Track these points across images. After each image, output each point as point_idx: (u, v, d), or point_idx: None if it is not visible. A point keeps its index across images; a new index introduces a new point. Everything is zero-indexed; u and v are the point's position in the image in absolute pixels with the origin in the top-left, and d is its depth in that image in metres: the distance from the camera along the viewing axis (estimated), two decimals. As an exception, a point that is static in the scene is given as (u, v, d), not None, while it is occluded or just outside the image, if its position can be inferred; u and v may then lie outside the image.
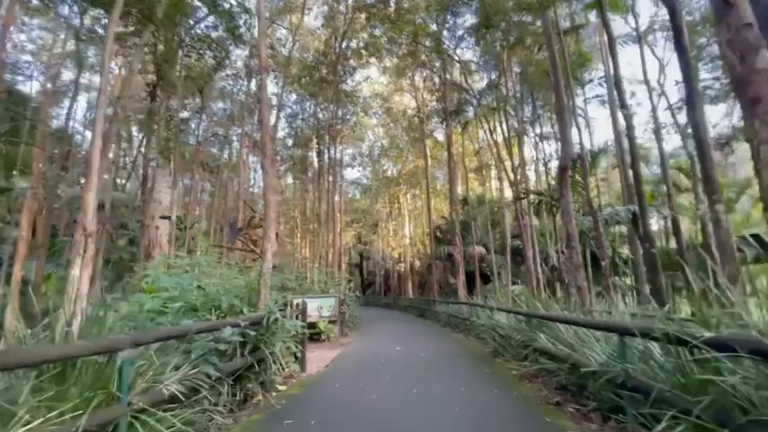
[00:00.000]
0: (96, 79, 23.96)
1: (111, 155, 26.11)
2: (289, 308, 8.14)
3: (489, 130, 17.73)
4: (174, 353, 3.93)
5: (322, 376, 7.16)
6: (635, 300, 12.07)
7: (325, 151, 23.61)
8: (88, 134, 26.86)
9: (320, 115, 22.88)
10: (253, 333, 5.37)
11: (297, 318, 7.59)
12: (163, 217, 12.76)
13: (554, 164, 17.27)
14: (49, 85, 20.40)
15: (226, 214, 19.08)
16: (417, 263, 34.68)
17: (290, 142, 28.86)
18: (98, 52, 21.48)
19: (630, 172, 14.13)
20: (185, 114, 15.21)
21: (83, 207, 6.15)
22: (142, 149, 16.13)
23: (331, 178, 23.76)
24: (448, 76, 19.79)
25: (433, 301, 20.64)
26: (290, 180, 37.10)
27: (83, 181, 22.53)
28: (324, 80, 18.44)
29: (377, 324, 18.23)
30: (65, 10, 16.88)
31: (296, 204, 29.65)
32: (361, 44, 20.01)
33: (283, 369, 6.46)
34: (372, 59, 23.38)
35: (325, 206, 20.96)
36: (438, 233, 23.59)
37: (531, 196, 13.84)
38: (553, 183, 16.16)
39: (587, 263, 12.41)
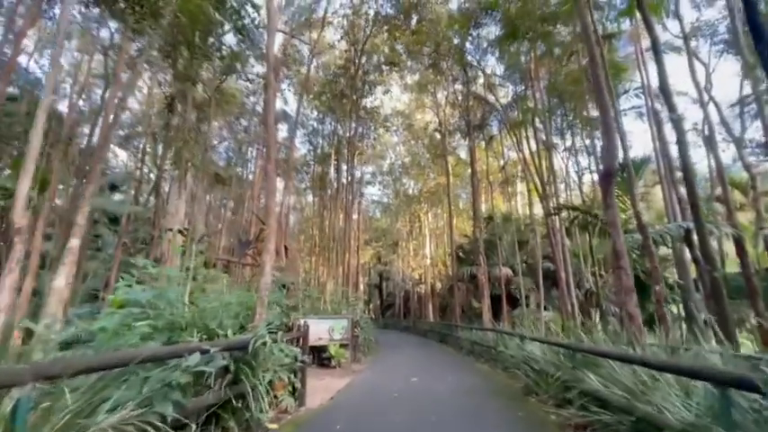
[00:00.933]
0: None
1: (135, 169, 26.74)
2: (283, 331, 7.29)
3: (517, 142, 16.71)
4: (118, 387, 3.08)
5: (322, 413, 6.13)
6: (685, 332, 10.44)
7: (344, 167, 23.17)
8: (118, 151, 27.67)
9: (340, 131, 22.55)
10: (233, 361, 4.51)
11: (296, 342, 6.68)
12: (174, 229, 12.32)
13: (588, 178, 15.99)
14: (80, 103, 20.97)
15: (245, 229, 18.71)
16: (438, 284, 33.19)
17: (309, 158, 28.75)
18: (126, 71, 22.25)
19: (675, 187, 12.75)
20: (203, 128, 15.04)
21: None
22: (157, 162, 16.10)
23: (350, 196, 23.20)
24: (472, 89, 19.06)
25: (455, 326, 19.23)
26: (309, 198, 36.98)
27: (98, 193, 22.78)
28: (343, 95, 18.10)
29: (394, 349, 16.99)
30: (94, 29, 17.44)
31: (314, 222, 29.18)
32: (382, 59, 19.70)
33: (277, 404, 5.52)
34: (393, 76, 23.11)
35: (341, 223, 20.28)
36: (460, 253, 22.35)
37: (564, 212, 12.60)
38: (587, 198, 14.88)
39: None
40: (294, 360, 5.97)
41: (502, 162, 21.56)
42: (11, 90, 20.84)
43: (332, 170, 22.19)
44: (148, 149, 20.08)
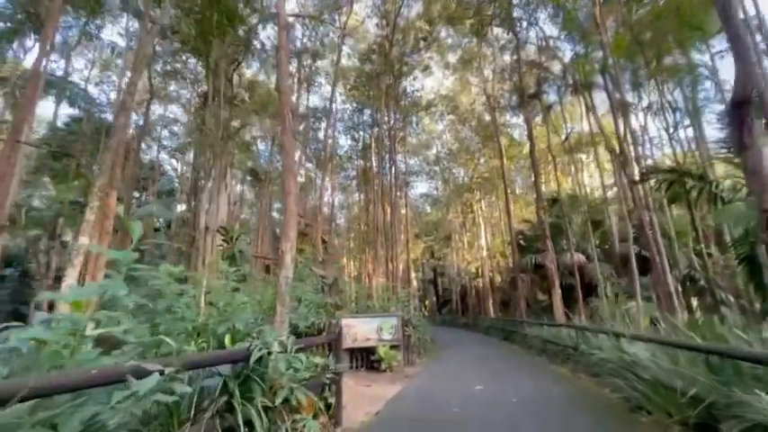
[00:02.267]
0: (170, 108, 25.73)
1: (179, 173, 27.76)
2: (315, 333, 6.14)
3: (586, 106, 14.29)
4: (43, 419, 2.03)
5: (363, 436, 4.89)
6: None
7: (387, 157, 21.97)
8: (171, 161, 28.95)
9: (379, 118, 21.36)
10: (233, 378, 3.40)
11: (327, 347, 5.51)
12: (210, 229, 11.90)
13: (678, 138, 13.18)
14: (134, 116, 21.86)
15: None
16: (498, 277, 30.80)
17: (351, 153, 27.97)
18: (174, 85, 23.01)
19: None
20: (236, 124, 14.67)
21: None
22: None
23: (396, 189, 21.94)
24: (523, 56, 16.85)
25: (521, 321, 17.15)
26: (356, 196, 36.34)
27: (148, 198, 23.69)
28: (379, 76, 16.85)
29: (452, 349, 15.41)
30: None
31: (361, 218, 28.36)
32: (420, 35, 18.15)
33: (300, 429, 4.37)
34: (433, 55, 21.44)
35: (387, 217, 19.06)
36: (521, 241, 20.09)
37: (652, 180, 10.19)
38: (679, 162, 12.24)
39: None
40: (323, 370, 4.80)
41: (564, 134, 18.95)
42: (73, 111, 22.45)
43: (373, 162, 21.06)
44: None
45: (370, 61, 17.45)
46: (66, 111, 24.71)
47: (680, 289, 13.20)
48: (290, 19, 16.39)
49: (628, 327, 7.68)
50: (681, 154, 12.69)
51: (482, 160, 30.73)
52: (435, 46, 19.62)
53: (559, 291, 14.17)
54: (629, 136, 12.09)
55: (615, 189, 19.64)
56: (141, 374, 2.40)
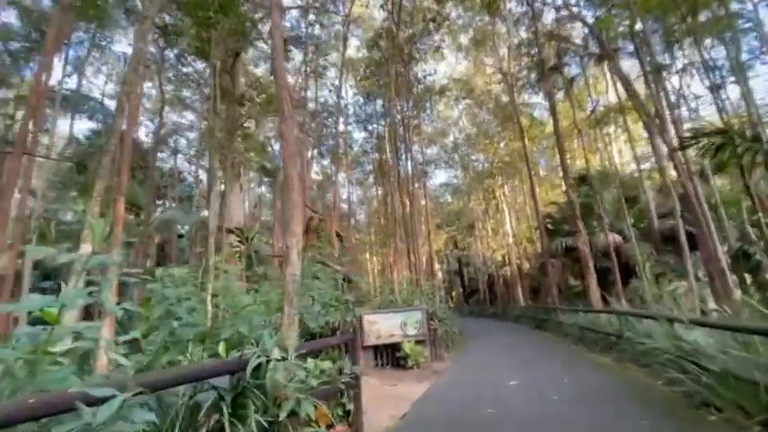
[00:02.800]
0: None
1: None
2: (328, 333, 5.69)
3: (612, 73, 13.17)
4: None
5: (386, 445, 4.41)
6: None
7: (402, 148, 21.34)
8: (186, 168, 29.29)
9: (391, 107, 20.73)
10: (232, 390, 2.97)
11: (345, 348, 5.04)
12: (229, 230, 11.70)
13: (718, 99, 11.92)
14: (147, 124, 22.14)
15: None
16: (526, 264, 29.71)
17: (366, 147, 27.49)
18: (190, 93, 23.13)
19: None
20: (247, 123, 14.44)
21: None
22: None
23: (413, 179, 21.29)
24: (540, 27, 15.77)
25: (553, 309, 16.28)
26: (376, 191, 35.87)
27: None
28: (387, 61, 16.18)
29: (482, 340, 14.75)
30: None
31: (380, 211, 27.90)
32: (428, 15, 17.33)
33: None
34: (444, 38, 20.55)
35: (407, 209, 18.47)
36: (549, 224, 19.06)
37: (694, 145, 9.11)
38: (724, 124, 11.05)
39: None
40: (339, 374, 4.34)
41: (590, 107, 17.70)
42: (93, 125, 22.95)
43: (387, 153, 20.47)
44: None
45: (377, 47, 16.81)
46: (88, 125, 25.40)
47: (730, 265, 12.07)
48: (294, 11, 15.99)
49: (677, 310, 6.84)
50: (726, 117, 11.42)
51: (502, 144, 29.58)
52: (446, 27, 18.72)
53: (594, 274, 13.23)
54: (663, 100, 10.99)
55: (650, 161, 18.30)
56: (99, 399, 1.97)
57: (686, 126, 10.87)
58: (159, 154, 25.80)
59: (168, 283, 4.98)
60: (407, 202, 19.94)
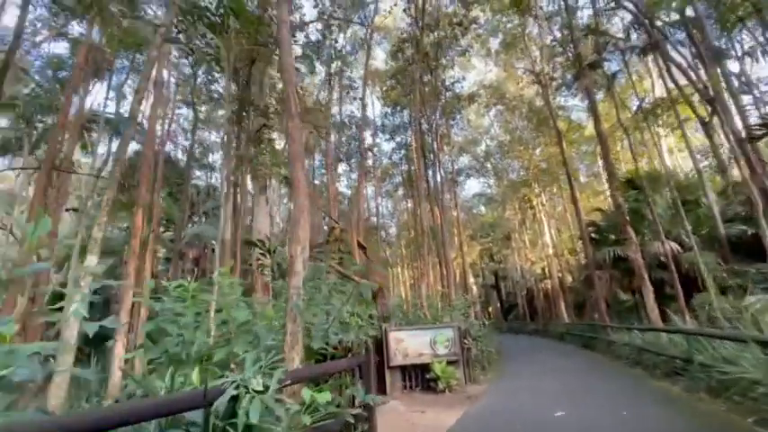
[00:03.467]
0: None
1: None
2: (341, 354, 5.03)
3: (659, 70, 11.93)
4: None
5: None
6: None
7: (431, 156, 20.72)
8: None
9: (419, 116, 20.23)
10: None
11: (357, 373, 4.36)
12: (249, 242, 11.49)
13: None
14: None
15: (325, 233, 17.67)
16: (568, 277, 27.71)
17: (395, 158, 27.10)
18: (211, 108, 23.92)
19: None
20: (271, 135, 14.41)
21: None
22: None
23: (442, 189, 20.52)
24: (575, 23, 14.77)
25: (603, 326, 14.71)
26: (406, 203, 35.29)
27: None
28: (411, 65, 15.72)
29: (522, 361, 13.49)
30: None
31: (409, 224, 27.20)
32: (454, 20, 16.81)
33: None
34: (470, 42, 19.93)
35: (437, 220, 17.67)
36: (593, 233, 17.52)
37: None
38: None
39: None
40: (350, 404, 3.68)
41: (634, 104, 16.23)
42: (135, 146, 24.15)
43: (415, 163, 19.87)
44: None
45: (401, 53, 16.43)
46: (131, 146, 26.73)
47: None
48: (318, 24, 16.01)
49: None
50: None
51: (537, 151, 28.16)
52: (473, 32, 18.09)
53: (651, 287, 11.73)
54: (725, 89, 9.66)
55: (708, 160, 16.49)
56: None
57: (753, 115, 9.46)
58: (197, 172, 26.78)
59: (166, 298, 4.57)
60: (437, 213, 19.15)
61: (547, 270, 28.47)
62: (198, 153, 25.84)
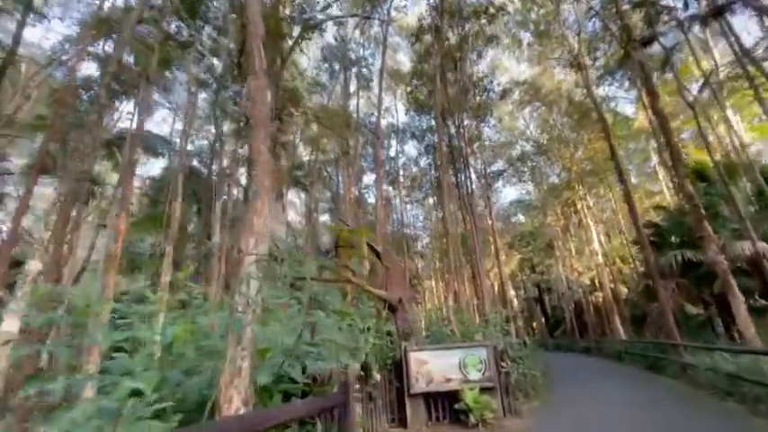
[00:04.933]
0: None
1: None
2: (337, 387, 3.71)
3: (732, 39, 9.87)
4: None
5: None
6: None
7: (460, 160, 19.24)
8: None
9: (446, 117, 18.88)
10: None
11: (330, 417, 3.02)
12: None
13: None
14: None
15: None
16: (623, 289, 24.71)
17: (423, 163, 25.83)
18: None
19: None
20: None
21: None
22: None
23: (472, 198, 18.86)
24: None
25: (673, 345, 12.30)
26: (436, 213, 33.68)
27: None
28: (433, 57, 14.49)
29: (575, 387, 11.39)
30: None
31: (439, 232, 25.59)
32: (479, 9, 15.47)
33: None
34: (501, 36, 18.48)
35: (455, 221, 16.04)
36: (653, 236, 15.09)
37: None
38: None
39: None
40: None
41: (695, 87, 13.91)
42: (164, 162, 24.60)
43: (444, 167, 18.49)
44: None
45: (420, 41, 15.23)
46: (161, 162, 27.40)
47: None
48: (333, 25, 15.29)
49: None
50: None
51: (580, 150, 25.75)
52: (501, 21, 16.65)
53: (741, 296, 9.41)
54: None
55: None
56: None
57: None
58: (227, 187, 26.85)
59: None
60: (468, 219, 17.51)
61: (597, 280, 25.57)
62: (225, 167, 25.97)
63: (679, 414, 7.25)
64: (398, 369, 7.92)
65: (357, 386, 4.68)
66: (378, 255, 8.21)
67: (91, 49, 17.75)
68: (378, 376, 7.18)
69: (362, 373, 6.75)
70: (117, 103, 19.57)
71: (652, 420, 6.85)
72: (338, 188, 25.27)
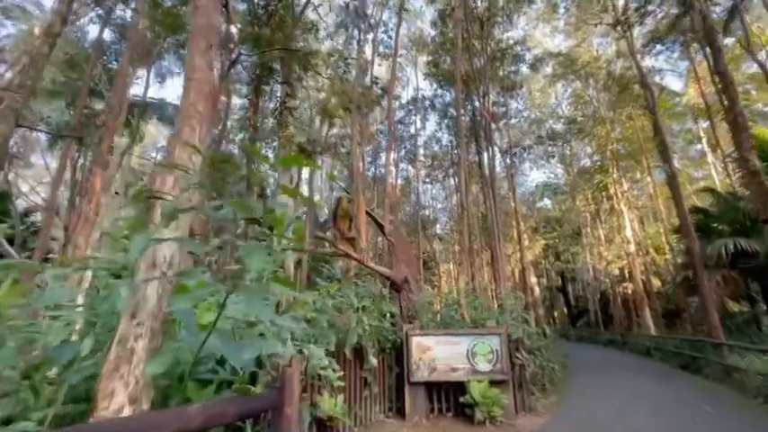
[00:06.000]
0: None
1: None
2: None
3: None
4: None
5: None
6: None
7: (483, 135, 17.91)
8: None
9: (470, 86, 17.46)
10: None
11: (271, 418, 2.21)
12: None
13: None
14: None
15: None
16: (655, 281, 22.96)
17: (445, 141, 24.54)
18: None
19: None
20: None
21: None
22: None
23: (492, 178, 17.50)
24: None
25: (716, 344, 10.96)
26: (457, 193, 32.31)
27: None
28: (452, 11, 13.06)
29: (598, 382, 10.33)
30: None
31: (457, 213, 24.37)
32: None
33: None
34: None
35: (488, 202, 14.86)
36: (698, 224, 13.45)
37: None
38: None
39: None
40: None
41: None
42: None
43: (464, 144, 17.17)
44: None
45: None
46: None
47: None
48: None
49: None
50: None
51: (618, 130, 23.67)
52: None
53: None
54: None
55: None
56: None
57: None
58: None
59: None
60: (489, 198, 16.31)
61: (628, 271, 23.85)
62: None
63: (728, 425, 6.14)
64: (399, 354, 7.15)
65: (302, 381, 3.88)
66: (381, 227, 7.33)
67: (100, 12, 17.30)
68: (374, 360, 6.42)
69: (351, 355, 6.00)
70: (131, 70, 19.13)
71: (682, 423, 5.80)
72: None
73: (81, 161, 18.72)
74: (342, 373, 4.84)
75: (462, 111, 17.55)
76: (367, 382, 6.42)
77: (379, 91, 14.33)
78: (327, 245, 7.23)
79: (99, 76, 18.30)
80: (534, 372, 8.07)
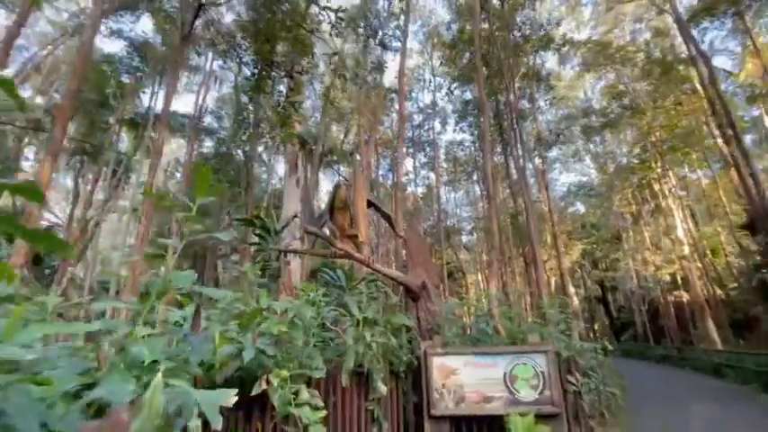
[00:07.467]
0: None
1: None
2: None
3: None
4: None
5: None
6: None
7: (511, 135, 16.40)
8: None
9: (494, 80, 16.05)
10: None
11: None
12: (240, 220, 8.75)
13: None
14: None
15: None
16: (715, 288, 20.19)
17: (468, 143, 23.11)
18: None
19: None
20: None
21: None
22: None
23: (524, 177, 15.82)
24: None
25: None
26: (482, 200, 30.52)
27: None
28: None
29: (668, 410, 8.31)
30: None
31: (484, 217, 22.64)
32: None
33: None
34: None
35: (519, 206, 13.20)
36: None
37: None
38: None
39: None
40: None
41: None
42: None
43: (487, 143, 15.66)
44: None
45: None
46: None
47: None
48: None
49: None
50: None
51: (660, 119, 21.43)
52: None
53: None
54: None
55: None
56: None
57: None
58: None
59: None
60: (522, 201, 14.65)
61: (682, 277, 21.15)
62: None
63: None
64: (417, 379, 5.65)
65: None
66: (388, 218, 5.98)
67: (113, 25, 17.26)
68: (383, 387, 4.95)
69: (348, 382, 4.59)
70: (143, 82, 19.05)
71: None
72: (376, 173, 23.31)
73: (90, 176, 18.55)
74: (324, 412, 3.41)
75: (485, 100, 16.18)
76: (374, 417, 4.95)
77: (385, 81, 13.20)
78: (324, 243, 5.93)
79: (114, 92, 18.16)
80: (592, 399, 6.33)
